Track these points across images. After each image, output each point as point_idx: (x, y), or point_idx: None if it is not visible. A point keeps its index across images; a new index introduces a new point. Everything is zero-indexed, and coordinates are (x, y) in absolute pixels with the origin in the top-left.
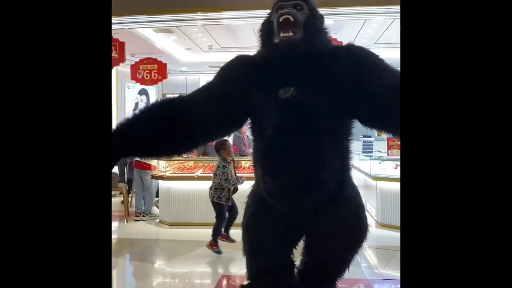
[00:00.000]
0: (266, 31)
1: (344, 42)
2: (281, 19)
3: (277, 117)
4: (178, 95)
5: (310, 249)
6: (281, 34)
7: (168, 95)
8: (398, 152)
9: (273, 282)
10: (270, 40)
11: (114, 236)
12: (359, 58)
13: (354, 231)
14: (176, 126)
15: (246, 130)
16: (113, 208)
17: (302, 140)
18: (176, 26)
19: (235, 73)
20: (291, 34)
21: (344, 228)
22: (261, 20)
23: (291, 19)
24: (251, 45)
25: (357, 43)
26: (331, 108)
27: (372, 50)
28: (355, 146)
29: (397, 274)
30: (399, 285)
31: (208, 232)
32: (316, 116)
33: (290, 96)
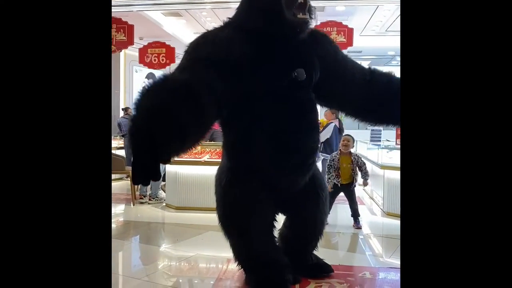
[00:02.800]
0: (271, 6)
1: (356, 29)
2: (300, 1)
3: (286, 97)
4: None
5: (294, 221)
6: (301, 16)
7: None
8: None
9: (275, 270)
10: (278, 17)
11: (120, 219)
12: (331, 43)
13: (326, 199)
14: (201, 113)
15: None
16: (120, 191)
17: (310, 120)
18: (185, 9)
19: (231, 47)
20: (308, 17)
21: (321, 198)
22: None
23: (309, 1)
24: None
25: (368, 30)
26: (313, 85)
27: (384, 38)
28: (363, 135)
29: None
30: None
31: (215, 217)
32: (310, 92)
33: (303, 77)
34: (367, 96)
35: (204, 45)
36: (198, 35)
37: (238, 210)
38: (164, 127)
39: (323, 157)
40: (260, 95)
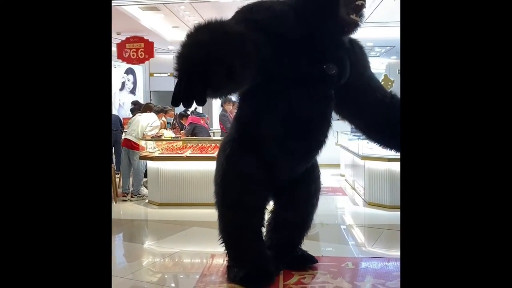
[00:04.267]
0: (330, 1)
1: None
2: (359, 3)
3: (313, 87)
4: None
5: (283, 209)
6: (354, 17)
7: (155, 75)
8: None
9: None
10: (332, 12)
11: None
12: (365, 56)
13: (318, 189)
14: (248, 63)
15: (232, 109)
16: None
17: (325, 114)
18: (163, 3)
19: (283, 20)
20: (359, 19)
21: (316, 187)
22: None
23: (365, 6)
24: None
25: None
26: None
27: (362, 29)
28: (344, 126)
29: (384, 252)
30: (386, 263)
31: (198, 212)
32: (333, 95)
33: (333, 72)
34: (381, 118)
35: (260, 10)
36: (177, 29)
37: (236, 181)
38: (219, 57)
39: None
40: (288, 76)
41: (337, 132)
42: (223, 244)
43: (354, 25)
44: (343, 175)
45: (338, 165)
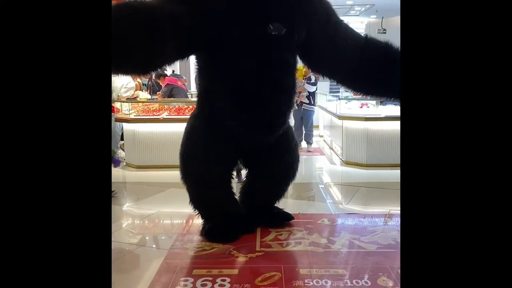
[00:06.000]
0: None
1: None
2: None
3: (258, 52)
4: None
5: (255, 179)
6: None
7: None
8: None
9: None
10: None
11: None
12: (324, 4)
13: (295, 161)
14: (157, 41)
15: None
16: None
17: (280, 76)
18: None
19: None
20: None
21: (286, 161)
22: None
23: None
24: None
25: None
26: (295, 46)
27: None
28: (323, 86)
29: (360, 209)
30: (362, 219)
31: (176, 174)
32: (290, 53)
33: (279, 32)
34: (358, 64)
35: None
36: None
37: (196, 156)
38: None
39: (310, 109)
40: (232, 45)
41: (316, 93)
42: (195, 212)
43: None
44: (321, 136)
45: (317, 126)
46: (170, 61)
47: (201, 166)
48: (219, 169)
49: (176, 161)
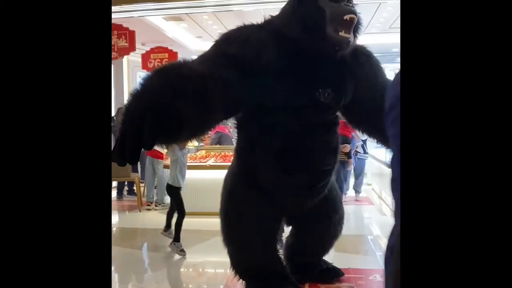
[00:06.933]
0: (314, 19)
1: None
2: (347, 17)
3: (305, 115)
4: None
5: (300, 238)
6: (343, 34)
7: None
8: None
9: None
10: (318, 31)
11: (128, 226)
12: (374, 64)
13: (339, 221)
14: (206, 109)
15: None
16: (126, 198)
17: (325, 137)
18: (186, 13)
19: (262, 51)
20: (351, 36)
21: (332, 221)
22: (272, 6)
23: (355, 20)
24: None
25: (371, 27)
26: (341, 109)
27: (387, 35)
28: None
29: None
30: None
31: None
32: (336, 117)
33: (327, 99)
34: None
35: (236, 41)
36: (200, 39)
37: (240, 220)
38: (160, 111)
39: (363, 158)
40: (277, 107)
41: (365, 140)
42: (237, 277)
43: (345, 43)
44: (369, 184)
45: (364, 174)
46: (217, 122)
47: (246, 231)
48: (265, 233)
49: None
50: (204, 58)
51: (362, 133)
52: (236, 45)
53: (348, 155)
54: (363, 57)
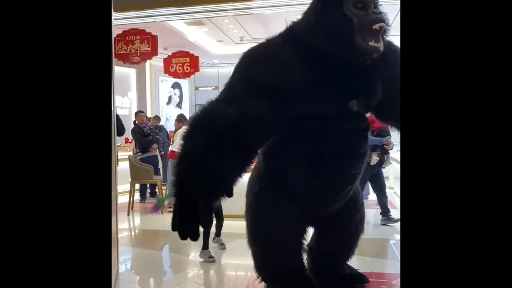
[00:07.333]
0: (341, 29)
1: None
2: (377, 27)
3: (337, 123)
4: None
5: (323, 238)
6: (373, 44)
7: (200, 89)
8: None
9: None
10: (347, 41)
11: (149, 228)
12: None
13: (362, 218)
14: (247, 156)
15: None
16: (149, 201)
17: (356, 146)
18: (207, 17)
19: (289, 73)
20: (381, 45)
21: (354, 220)
22: (293, 9)
23: (385, 28)
24: None
25: (394, 30)
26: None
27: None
28: (395, 138)
29: None
30: None
31: (242, 224)
32: (367, 122)
33: (357, 109)
34: None
35: (263, 65)
36: (221, 43)
37: (268, 223)
38: (210, 191)
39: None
40: (308, 119)
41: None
42: (259, 278)
43: (375, 52)
44: (392, 188)
45: (386, 177)
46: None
47: (273, 233)
48: (292, 235)
49: (242, 211)
50: (234, 90)
51: (390, 127)
52: (263, 70)
53: (386, 150)
54: (391, 55)
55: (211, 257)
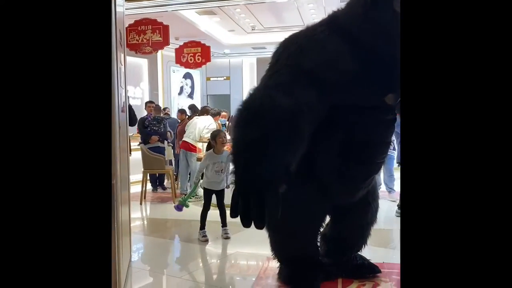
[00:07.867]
0: (387, 21)
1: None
2: None
3: (369, 114)
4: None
5: (339, 226)
6: None
7: (212, 79)
8: None
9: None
10: (392, 36)
11: (161, 217)
12: None
13: (377, 208)
14: (302, 142)
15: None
16: (161, 191)
17: (384, 136)
18: (218, 6)
19: (336, 62)
20: None
21: (371, 207)
22: None
23: None
24: (295, 25)
25: None
26: None
27: None
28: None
29: None
30: None
31: None
32: (395, 113)
33: (390, 102)
34: None
35: (311, 54)
36: (232, 32)
37: (289, 204)
38: (270, 169)
39: (392, 154)
40: (344, 108)
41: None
42: (277, 260)
43: None
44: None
45: (398, 169)
46: None
47: (294, 218)
48: (312, 221)
49: None
50: (282, 76)
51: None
52: (312, 58)
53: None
54: None
55: (204, 236)
